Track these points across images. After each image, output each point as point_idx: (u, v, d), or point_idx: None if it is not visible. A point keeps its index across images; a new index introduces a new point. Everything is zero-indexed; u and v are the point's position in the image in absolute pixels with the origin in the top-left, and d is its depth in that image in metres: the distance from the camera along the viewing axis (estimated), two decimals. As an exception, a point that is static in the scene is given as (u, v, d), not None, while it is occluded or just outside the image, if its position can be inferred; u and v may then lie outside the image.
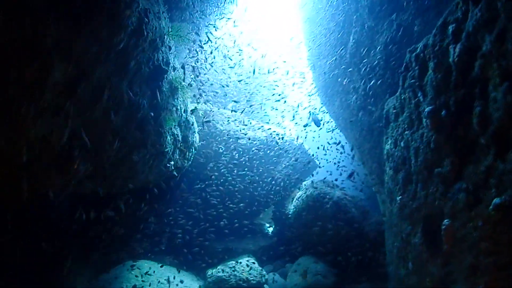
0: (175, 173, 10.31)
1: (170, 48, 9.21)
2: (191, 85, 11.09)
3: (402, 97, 6.57)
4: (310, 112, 13.30)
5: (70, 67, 5.94)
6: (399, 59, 10.80)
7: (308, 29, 17.95)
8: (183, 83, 10.49)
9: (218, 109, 15.44)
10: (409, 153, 6.27)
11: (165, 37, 8.67)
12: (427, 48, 5.56)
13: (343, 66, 14.42)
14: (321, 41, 16.40)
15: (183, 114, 10.31)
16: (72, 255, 9.45)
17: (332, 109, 16.40)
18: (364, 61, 12.84)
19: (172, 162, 9.83)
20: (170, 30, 8.68)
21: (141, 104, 7.67)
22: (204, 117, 13.66)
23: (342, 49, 14.42)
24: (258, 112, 19.28)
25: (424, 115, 5.25)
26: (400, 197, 6.74)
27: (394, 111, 7.09)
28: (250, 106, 18.71)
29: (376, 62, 12.16)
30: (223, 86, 17.59)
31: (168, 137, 9.14)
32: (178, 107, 9.73)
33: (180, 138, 10.00)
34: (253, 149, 14.46)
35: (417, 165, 5.90)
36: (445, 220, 4.92)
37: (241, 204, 13.37)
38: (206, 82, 16.98)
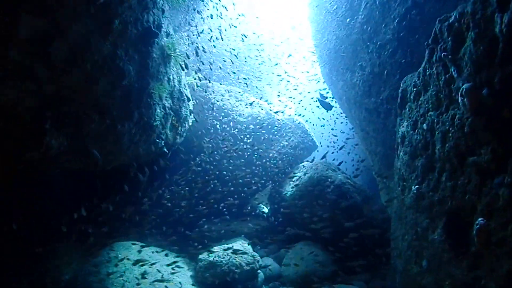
0: (165, 149, 9.44)
1: (163, 11, 8.19)
2: (188, 57, 10.07)
3: (428, 73, 5.67)
4: (319, 95, 12.29)
5: (41, 22, 4.98)
6: (413, 36, 9.87)
7: (314, 3, 16.82)
8: (177, 51, 9.51)
9: (213, 84, 14.45)
10: (433, 137, 5.42)
11: (159, -3, 7.66)
12: (465, 17, 4.63)
13: (350, 43, 13.43)
14: (327, 16, 15.31)
15: (176, 85, 9.36)
16: (59, 238, 8.72)
17: (336, 88, 15.48)
18: (374, 38, 11.86)
19: (163, 138, 8.94)
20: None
21: (127, 70, 6.71)
22: (200, 91, 12.71)
23: (350, 25, 13.39)
24: (257, 88, 18.29)
25: (460, 94, 4.37)
26: (417, 186, 5.94)
27: (415, 89, 6.20)
28: (247, 80, 17.72)
29: (387, 40, 11.20)
30: (224, 60, 16.44)
31: (158, 110, 8.22)
32: (171, 77, 8.77)
33: (171, 111, 9.08)
34: (251, 126, 13.58)
35: (444, 152, 5.05)
36: (479, 219, 4.12)
37: (236, 182, 12.59)
38: (204, 54, 15.90)
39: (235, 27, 17.19)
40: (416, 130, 6.09)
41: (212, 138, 12.83)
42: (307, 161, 14.27)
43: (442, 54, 5.01)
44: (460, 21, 4.75)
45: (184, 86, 10.24)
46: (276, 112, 14.74)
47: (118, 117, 7.12)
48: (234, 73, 17.58)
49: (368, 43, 12.15)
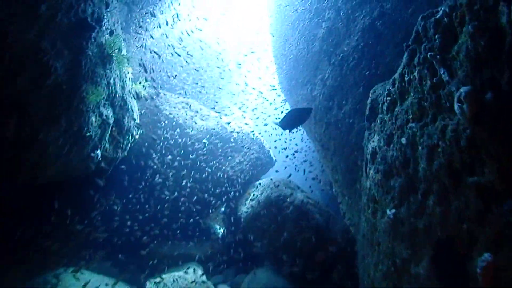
0: (103, 165, 8.08)
1: (107, 4, 6.99)
2: (144, 64, 8.84)
3: (406, 79, 4.90)
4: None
5: None
6: (378, 47, 9.35)
7: (274, 14, 16.17)
8: (123, 53, 8.29)
9: (165, 93, 13.19)
10: (415, 153, 4.60)
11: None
12: (457, 10, 3.90)
13: (311, 55, 12.80)
14: (288, 28, 14.68)
15: (119, 91, 8.09)
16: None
17: (294, 102, 14.77)
18: (337, 50, 11.28)
19: (99, 151, 7.60)
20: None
21: (53, 66, 5.42)
22: (150, 100, 11.44)
23: (311, 36, 12.78)
24: (214, 102, 17.20)
25: (458, 100, 3.57)
26: (394, 210, 5.08)
27: (389, 98, 5.42)
28: (203, 89, 16.59)
29: (350, 51, 10.63)
30: (181, 67, 15.22)
31: (93, 118, 6.91)
32: (111, 81, 7.51)
33: (111, 121, 7.78)
34: (204, 140, 12.44)
35: (430, 170, 4.23)
36: (486, 254, 3.27)
37: (188, 201, 11.34)
38: (155, 61, 14.63)
39: (192, 32, 16.11)
40: (392, 145, 5.28)
41: (161, 152, 11.54)
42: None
43: (428, 54, 4.23)
44: (450, 15, 4.01)
45: (129, 93, 8.98)
46: (233, 127, 13.72)
47: (41, 122, 5.77)
48: (192, 83, 16.42)
49: (330, 55, 11.56)
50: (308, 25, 12.97)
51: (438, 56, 4.11)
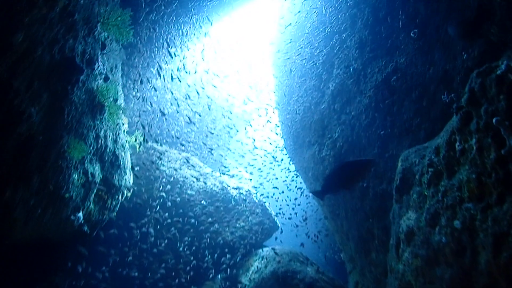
0: (86, 228, 6.96)
1: (103, 46, 6.30)
2: (142, 123, 8.07)
3: (458, 148, 3.97)
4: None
5: None
6: (394, 105, 8.64)
7: (279, 72, 15.79)
8: (119, 102, 7.51)
9: (165, 149, 12.30)
10: (474, 241, 3.57)
11: (98, 25, 5.79)
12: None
13: (318, 114, 12.11)
14: (293, 86, 14.18)
15: (109, 145, 7.18)
16: None
17: (300, 161, 13.87)
18: (347, 108, 10.59)
19: (81, 214, 6.52)
20: (107, 16, 5.83)
21: (27, 111, 4.53)
22: (145, 154, 10.51)
23: (319, 95, 12.18)
24: (214, 160, 16.27)
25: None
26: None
27: (431, 169, 4.47)
28: (210, 152, 15.72)
29: (362, 109, 9.94)
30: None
31: (75, 176, 5.91)
32: (101, 133, 6.62)
33: (98, 179, 6.78)
34: (202, 201, 11.34)
35: (497, 263, 3.19)
36: None
37: (183, 269, 10.00)
38: (155, 115, 13.91)
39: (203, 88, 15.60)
40: (438, 228, 4.24)
41: (155, 213, 10.39)
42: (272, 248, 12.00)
43: (494, 119, 3.34)
44: (521, 70, 3.18)
45: (123, 148, 8.08)
46: (236, 188, 12.67)
47: (6, 179, 4.77)
48: (194, 139, 15.60)
49: (340, 114, 10.85)
50: (315, 82, 12.40)
51: (507, 123, 3.22)
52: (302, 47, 13.36)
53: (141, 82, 10.03)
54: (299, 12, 13.37)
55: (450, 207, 3.99)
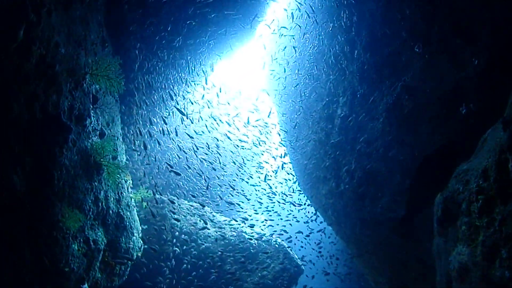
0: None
1: (95, 99, 5.88)
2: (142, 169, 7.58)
3: None
4: None
5: None
6: (409, 127, 8.01)
7: (283, 105, 15.36)
8: (119, 159, 7.02)
9: (173, 200, 11.64)
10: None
11: (86, 77, 5.38)
12: None
13: (330, 147, 11.48)
14: (299, 118, 13.68)
15: (112, 207, 6.60)
16: None
17: (318, 199, 13.06)
18: (360, 136, 9.97)
19: (86, 285, 5.80)
20: (95, 66, 5.43)
21: (9, 181, 3.98)
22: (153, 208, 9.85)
23: (328, 126, 11.62)
24: (229, 208, 15.49)
25: None
26: None
27: (481, 196, 3.77)
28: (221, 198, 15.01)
29: (376, 135, 9.31)
30: (188, 168, 13.83)
31: (75, 246, 5.27)
32: (101, 196, 6.06)
33: (102, 245, 6.12)
34: (219, 252, 10.52)
35: None
36: None
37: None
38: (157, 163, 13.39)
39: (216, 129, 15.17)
40: (498, 261, 3.49)
41: (168, 269, 9.60)
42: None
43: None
44: None
45: (128, 207, 7.48)
46: (254, 235, 11.85)
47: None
48: (203, 188, 14.94)
49: (353, 144, 10.21)
50: (322, 114, 11.89)
51: None
52: (303, 80, 12.99)
53: (141, 134, 9.56)
54: (294, 48, 13.14)
55: (509, 237, 3.26)
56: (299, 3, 11.26)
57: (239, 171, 16.60)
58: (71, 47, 4.91)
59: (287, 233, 13.30)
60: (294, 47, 13.04)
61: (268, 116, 16.97)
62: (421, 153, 7.39)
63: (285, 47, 13.57)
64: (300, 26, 12.38)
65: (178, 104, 12.12)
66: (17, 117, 3.90)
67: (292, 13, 11.76)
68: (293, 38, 13.06)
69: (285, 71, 14.09)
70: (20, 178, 4.07)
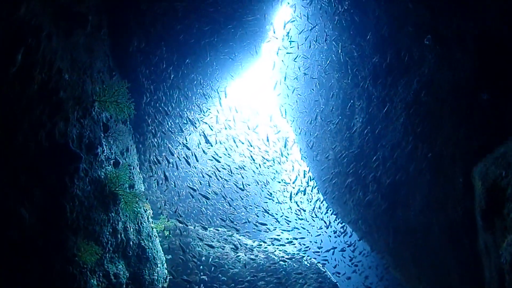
0: None
1: (106, 127, 5.73)
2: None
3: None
4: None
5: None
6: (433, 122, 7.53)
7: (298, 120, 15.00)
8: (137, 188, 6.81)
9: (197, 227, 11.28)
10: None
11: (95, 104, 5.25)
12: None
13: (351, 155, 11.02)
14: (316, 131, 13.28)
15: (132, 238, 6.32)
16: None
17: (346, 211, 12.47)
18: (382, 140, 9.51)
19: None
20: (103, 93, 5.29)
21: (16, 214, 3.76)
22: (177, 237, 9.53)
23: (346, 137, 11.19)
24: (256, 230, 14.98)
25: None
26: None
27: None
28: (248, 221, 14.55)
29: (399, 137, 8.83)
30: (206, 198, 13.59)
31: (93, 281, 4.96)
32: (119, 227, 5.80)
33: (123, 278, 5.81)
34: (249, 277, 10.03)
35: None
36: None
37: None
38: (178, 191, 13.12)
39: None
40: None
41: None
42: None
43: None
44: None
45: (149, 237, 7.19)
46: (284, 256, 11.30)
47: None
48: (229, 213, 14.56)
49: (375, 148, 9.74)
50: (340, 123, 11.47)
51: None
52: (317, 93, 12.69)
53: (159, 162, 9.37)
54: (300, 60, 12.92)
55: None
56: (296, 17, 11.17)
57: (262, 190, 16.18)
58: (76, 74, 4.78)
59: (320, 249, 12.72)
60: (303, 56, 12.80)
61: (285, 146, 16.78)
62: (450, 147, 6.88)
63: (295, 58, 13.36)
64: (305, 39, 12.22)
65: (196, 128, 11.97)
66: (21, 145, 3.71)
67: (288, 32, 11.62)
68: (298, 54, 12.86)
69: (293, 91, 13.91)
70: (28, 211, 3.85)
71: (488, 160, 4.23)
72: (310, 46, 12.11)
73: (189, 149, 10.54)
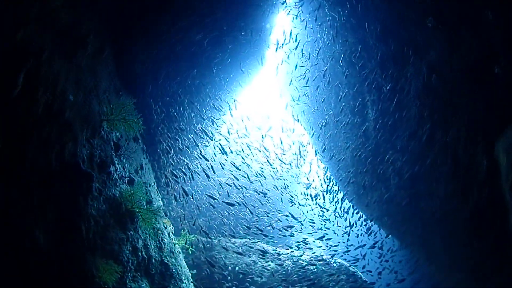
0: None
1: (117, 147, 5.69)
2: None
3: None
4: None
5: None
6: (447, 100, 7.20)
7: (311, 123, 14.75)
8: (154, 204, 6.73)
9: (220, 240, 11.10)
10: None
11: (103, 124, 5.21)
12: None
13: (367, 151, 10.73)
14: (330, 132, 13.03)
15: (154, 255, 6.21)
16: None
17: (370, 209, 12.07)
18: (398, 131, 9.20)
19: None
20: (110, 112, 5.26)
21: (30, 236, 3.69)
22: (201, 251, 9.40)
23: (360, 134, 10.90)
24: (281, 235, 14.68)
25: None
26: None
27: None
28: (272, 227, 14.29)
29: (415, 126, 8.52)
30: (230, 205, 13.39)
31: (116, 302, 4.87)
32: (138, 245, 5.70)
33: (148, 296, 5.70)
34: (278, 286, 9.77)
35: None
36: None
37: None
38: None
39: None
40: None
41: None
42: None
43: None
44: None
45: (172, 254, 7.08)
46: (311, 260, 10.99)
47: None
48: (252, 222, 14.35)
49: (392, 140, 9.43)
50: (352, 120, 11.20)
51: None
52: (326, 92, 12.47)
53: (176, 177, 9.32)
54: (317, 55, 12.74)
55: None
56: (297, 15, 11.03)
57: (283, 194, 15.91)
58: (81, 95, 4.76)
59: (348, 249, 12.39)
60: (308, 52, 12.59)
61: (300, 150, 16.63)
62: (471, 127, 6.55)
63: (298, 63, 13.20)
64: (308, 40, 12.07)
65: (212, 138, 11.94)
66: (30, 166, 3.66)
67: (289, 34, 11.47)
68: (302, 55, 12.69)
69: (302, 95, 13.75)
70: (42, 232, 3.78)
71: (510, 131, 3.95)
72: (314, 45, 11.94)
73: (207, 160, 10.42)
